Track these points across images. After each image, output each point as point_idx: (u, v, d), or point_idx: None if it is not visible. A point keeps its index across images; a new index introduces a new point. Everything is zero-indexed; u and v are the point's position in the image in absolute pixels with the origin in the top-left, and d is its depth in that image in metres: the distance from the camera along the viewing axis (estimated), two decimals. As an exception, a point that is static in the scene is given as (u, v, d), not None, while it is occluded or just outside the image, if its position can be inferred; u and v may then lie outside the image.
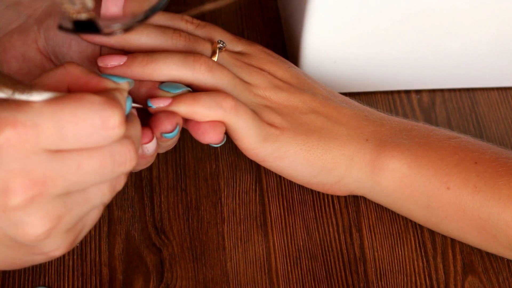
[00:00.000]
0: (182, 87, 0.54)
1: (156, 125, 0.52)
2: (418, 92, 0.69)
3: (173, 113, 0.52)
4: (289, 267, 0.58)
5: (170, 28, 0.57)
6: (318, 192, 0.62)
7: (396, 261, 0.59)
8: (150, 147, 0.52)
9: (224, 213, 0.60)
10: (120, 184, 0.46)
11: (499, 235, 0.56)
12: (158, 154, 0.62)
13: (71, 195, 0.43)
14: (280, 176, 0.62)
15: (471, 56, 0.66)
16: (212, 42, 0.58)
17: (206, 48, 0.57)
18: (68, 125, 0.42)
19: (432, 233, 0.60)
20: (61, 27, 0.45)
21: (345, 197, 0.62)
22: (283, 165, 0.57)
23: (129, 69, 0.54)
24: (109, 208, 0.60)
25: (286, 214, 0.61)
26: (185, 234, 0.59)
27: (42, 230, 0.42)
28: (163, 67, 0.54)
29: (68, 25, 0.45)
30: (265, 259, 0.59)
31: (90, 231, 0.57)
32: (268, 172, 0.62)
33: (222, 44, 0.58)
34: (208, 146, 0.64)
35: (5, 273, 0.57)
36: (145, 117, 0.53)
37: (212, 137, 0.54)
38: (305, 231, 0.60)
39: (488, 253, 0.60)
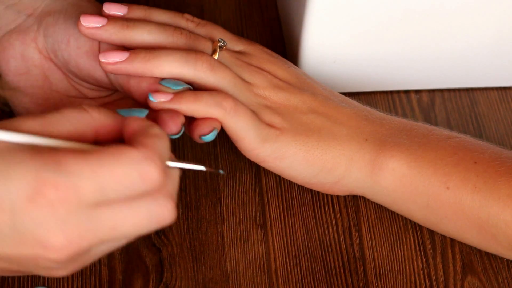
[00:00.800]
0: (183, 84, 0.54)
1: (161, 126, 0.52)
2: (417, 92, 0.69)
3: (177, 114, 0.52)
4: (288, 267, 0.58)
5: (171, 26, 0.57)
6: (318, 192, 0.62)
7: (395, 261, 0.59)
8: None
9: (223, 213, 0.60)
10: (152, 231, 0.47)
11: (498, 235, 0.56)
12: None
13: (103, 244, 0.45)
14: (279, 176, 0.62)
15: (470, 56, 0.66)
16: (212, 40, 0.58)
17: (207, 46, 0.57)
18: (107, 182, 0.43)
19: (431, 233, 0.60)
20: None
21: (344, 197, 0.62)
22: (283, 166, 0.57)
23: (131, 65, 0.54)
24: (109, 208, 0.60)
25: (286, 214, 0.61)
26: (185, 234, 0.59)
27: (66, 273, 0.45)
28: (165, 64, 0.54)
29: None
30: (264, 259, 0.59)
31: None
32: (268, 172, 0.62)
33: (223, 43, 0.58)
34: (208, 146, 0.64)
35: (5, 273, 0.57)
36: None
37: (202, 129, 0.54)
38: (304, 231, 0.60)
39: (487, 253, 0.60)
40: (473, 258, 0.59)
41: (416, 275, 0.58)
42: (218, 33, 0.59)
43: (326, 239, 0.60)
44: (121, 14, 0.57)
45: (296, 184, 0.61)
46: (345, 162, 0.58)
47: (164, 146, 0.45)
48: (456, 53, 0.66)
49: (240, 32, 0.71)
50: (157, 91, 0.54)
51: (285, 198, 0.61)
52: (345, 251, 0.59)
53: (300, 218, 0.61)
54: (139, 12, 0.58)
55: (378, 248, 0.60)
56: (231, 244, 0.59)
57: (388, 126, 0.59)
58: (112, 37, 0.55)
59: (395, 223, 0.61)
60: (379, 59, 0.65)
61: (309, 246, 0.59)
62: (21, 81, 0.58)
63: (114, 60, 0.54)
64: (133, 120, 0.47)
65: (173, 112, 0.52)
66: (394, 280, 0.58)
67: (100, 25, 0.55)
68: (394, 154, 0.57)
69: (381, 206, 0.61)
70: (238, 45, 0.60)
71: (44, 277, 0.57)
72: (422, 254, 0.59)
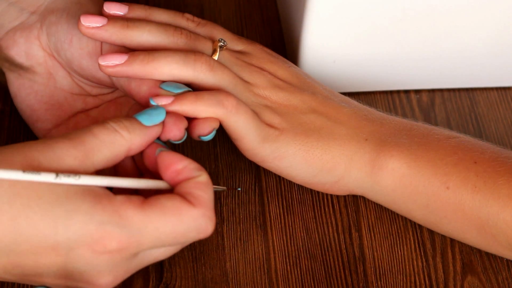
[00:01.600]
0: (183, 87, 0.54)
1: (164, 131, 0.52)
2: (417, 92, 0.69)
3: (180, 119, 0.52)
4: (288, 267, 0.58)
5: (171, 26, 0.57)
6: (318, 192, 0.62)
7: (395, 261, 0.59)
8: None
9: (223, 213, 0.60)
10: None
11: (498, 235, 0.56)
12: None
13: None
14: (279, 176, 0.62)
15: (470, 56, 0.66)
16: (212, 40, 0.58)
17: (207, 46, 0.57)
18: (168, 238, 0.46)
19: (431, 233, 0.60)
20: None
21: (344, 197, 0.62)
22: (282, 165, 0.57)
23: (130, 68, 0.54)
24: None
25: (286, 214, 0.61)
26: (185, 234, 0.59)
27: None
28: (164, 66, 0.54)
29: None
30: (264, 259, 0.58)
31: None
32: (268, 172, 0.62)
33: (223, 43, 0.58)
34: (208, 145, 0.64)
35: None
36: None
37: (201, 129, 0.54)
38: (304, 231, 0.60)
39: (487, 253, 0.60)
40: (473, 258, 0.59)
41: (416, 275, 0.58)
42: (218, 32, 0.59)
43: (326, 239, 0.60)
44: (122, 13, 0.57)
45: (296, 184, 0.61)
46: (345, 162, 0.58)
47: (212, 195, 0.48)
48: (456, 53, 0.66)
49: (240, 31, 0.71)
50: (157, 95, 0.53)
51: (285, 198, 0.61)
52: (345, 251, 0.59)
53: (300, 218, 0.61)
54: (139, 11, 0.58)
55: (378, 248, 0.60)
56: (231, 244, 0.59)
57: (388, 126, 0.59)
58: (113, 37, 0.55)
59: (395, 223, 0.61)
60: (379, 59, 0.65)
61: (309, 246, 0.59)
62: (27, 78, 0.58)
63: (113, 62, 0.54)
64: (172, 157, 0.49)
65: (176, 117, 0.52)
66: (394, 280, 0.58)
67: (101, 25, 0.55)
68: (394, 154, 0.57)
69: (381, 206, 0.61)
70: (238, 44, 0.60)
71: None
72: (422, 254, 0.59)
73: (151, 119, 0.51)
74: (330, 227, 0.60)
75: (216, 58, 0.57)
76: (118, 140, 0.48)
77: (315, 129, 0.57)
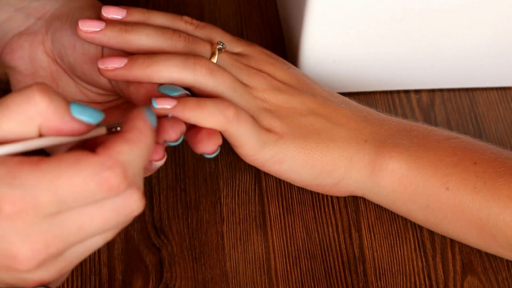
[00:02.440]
0: (181, 90, 0.54)
1: (160, 132, 0.51)
2: (417, 92, 0.69)
3: (178, 122, 0.52)
4: (288, 267, 0.58)
5: (170, 29, 0.57)
6: (318, 192, 0.62)
7: (395, 261, 0.59)
8: (159, 163, 0.52)
9: (223, 213, 0.60)
10: (126, 223, 0.46)
11: (498, 236, 0.56)
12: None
13: (74, 247, 0.45)
14: (279, 176, 0.62)
15: (470, 56, 0.66)
16: (211, 43, 0.58)
17: (206, 49, 0.57)
18: (65, 192, 0.42)
19: (431, 233, 0.60)
20: None
21: (344, 197, 0.62)
22: (282, 169, 0.57)
23: (129, 71, 0.54)
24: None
25: (286, 214, 0.61)
26: (185, 234, 0.59)
27: (49, 276, 0.45)
28: (164, 69, 0.54)
29: None
30: (264, 259, 0.59)
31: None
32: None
33: (222, 45, 0.57)
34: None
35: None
36: None
37: (206, 147, 0.53)
38: (304, 231, 0.60)
39: (487, 253, 0.60)
40: (473, 258, 0.59)
41: (416, 275, 0.58)
42: (217, 35, 0.59)
43: (326, 239, 0.60)
44: (120, 17, 0.57)
45: (296, 184, 0.62)
46: (345, 164, 0.58)
47: (132, 152, 0.44)
48: (456, 53, 0.66)
49: (240, 32, 0.71)
50: (159, 96, 0.53)
51: (285, 198, 0.61)
52: (345, 251, 0.59)
53: (300, 218, 0.61)
54: (137, 15, 0.57)
55: (378, 248, 0.60)
56: (231, 244, 0.59)
57: (388, 127, 0.59)
58: (111, 41, 0.55)
59: (395, 223, 0.61)
60: (379, 59, 0.65)
61: (309, 246, 0.59)
62: (29, 82, 0.58)
63: (112, 66, 0.54)
64: (81, 127, 0.45)
65: (175, 120, 0.52)
66: (394, 280, 0.58)
67: (99, 29, 0.55)
68: (394, 155, 0.57)
69: (381, 206, 0.61)
70: (237, 47, 0.60)
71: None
72: (422, 254, 0.60)
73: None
74: (330, 227, 0.60)
75: (215, 61, 0.57)
76: (30, 111, 0.44)
77: (314, 132, 0.57)
